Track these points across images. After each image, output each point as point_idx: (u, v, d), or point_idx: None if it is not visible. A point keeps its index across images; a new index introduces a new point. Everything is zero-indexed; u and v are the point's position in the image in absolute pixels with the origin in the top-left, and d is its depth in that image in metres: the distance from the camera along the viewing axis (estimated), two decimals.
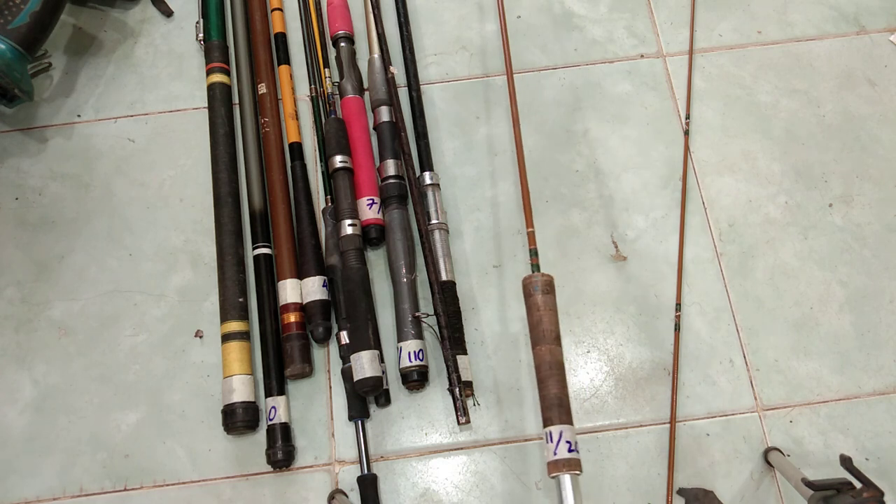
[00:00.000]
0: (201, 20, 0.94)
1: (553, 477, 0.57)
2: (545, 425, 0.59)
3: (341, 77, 0.90)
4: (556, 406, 0.60)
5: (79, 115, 0.92)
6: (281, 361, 0.77)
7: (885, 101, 0.91)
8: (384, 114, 0.87)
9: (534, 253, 0.68)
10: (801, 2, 0.98)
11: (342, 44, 0.92)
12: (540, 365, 0.62)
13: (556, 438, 0.58)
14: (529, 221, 0.71)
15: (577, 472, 0.57)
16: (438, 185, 0.85)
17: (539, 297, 0.64)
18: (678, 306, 0.80)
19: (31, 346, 0.80)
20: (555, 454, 0.57)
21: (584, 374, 0.78)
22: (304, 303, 0.78)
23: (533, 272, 0.66)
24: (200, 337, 0.80)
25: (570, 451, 0.57)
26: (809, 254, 0.83)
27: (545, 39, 0.96)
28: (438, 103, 0.92)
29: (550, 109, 0.91)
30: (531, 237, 0.70)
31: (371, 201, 0.82)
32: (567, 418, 0.59)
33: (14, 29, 0.82)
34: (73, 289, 0.83)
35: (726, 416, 0.76)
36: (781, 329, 0.80)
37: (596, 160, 0.88)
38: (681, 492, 0.71)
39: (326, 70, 0.91)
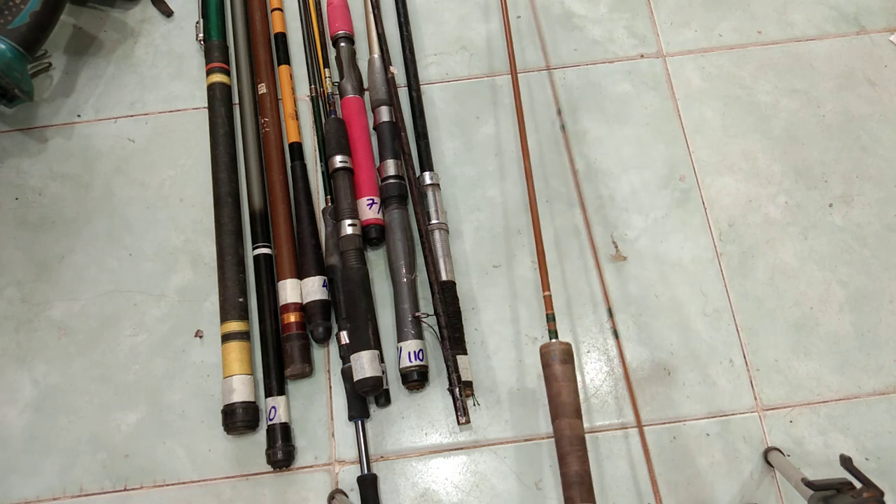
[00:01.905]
0: (201, 20, 0.94)
1: None
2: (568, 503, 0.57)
3: (341, 77, 0.90)
4: (577, 484, 0.58)
5: (79, 115, 0.92)
6: (281, 361, 0.77)
7: (885, 101, 0.91)
8: (384, 114, 0.87)
9: (551, 318, 0.66)
10: (801, 2, 0.98)
11: (342, 44, 0.92)
12: (560, 439, 0.60)
13: None
14: (546, 285, 0.68)
15: None
16: (438, 185, 0.85)
17: (558, 366, 0.62)
18: (609, 311, 0.79)
19: (31, 346, 0.80)
20: None
21: (584, 374, 0.78)
22: (304, 303, 0.78)
23: (551, 339, 0.65)
24: (200, 337, 0.80)
25: None
26: (809, 254, 0.83)
27: (545, 39, 0.96)
28: (438, 103, 0.92)
29: (550, 109, 0.91)
30: (548, 301, 0.67)
31: (371, 201, 0.82)
32: (590, 497, 0.57)
33: (14, 29, 0.82)
34: (73, 289, 0.83)
35: (726, 416, 0.76)
36: (781, 329, 0.80)
37: (596, 160, 0.88)
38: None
39: (326, 70, 0.91)
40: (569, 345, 0.63)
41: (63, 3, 0.88)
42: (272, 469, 0.74)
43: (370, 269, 0.82)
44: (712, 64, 0.94)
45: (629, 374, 0.78)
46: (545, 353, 0.63)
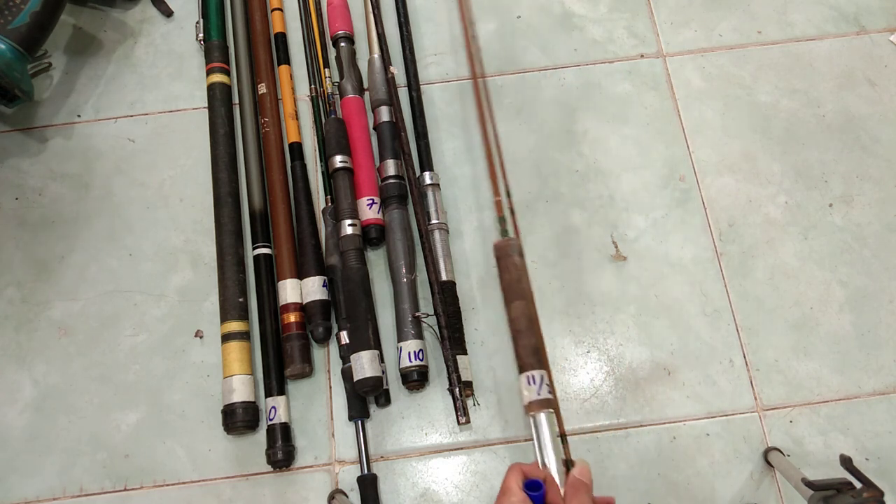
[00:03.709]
0: (201, 20, 0.94)
1: (531, 416, 0.61)
2: (522, 371, 0.63)
3: (341, 77, 0.90)
4: (534, 353, 0.64)
5: (79, 115, 0.92)
6: (281, 361, 0.77)
7: (885, 101, 0.91)
8: (384, 114, 0.87)
9: (502, 220, 0.71)
10: (801, 2, 0.98)
11: (342, 44, 0.92)
12: (517, 318, 0.65)
13: (536, 381, 0.62)
14: (497, 191, 0.74)
15: (552, 410, 0.61)
16: (438, 184, 0.85)
17: (514, 259, 0.68)
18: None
19: (31, 346, 0.80)
20: (537, 395, 0.61)
21: (584, 374, 0.78)
22: (304, 303, 0.78)
23: (503, 237, 0.70)
24: (200, 337, 0.80)
25: (548, 392, 0.62)
26: (809, 254, 0.83)
27: (545, 39, 0.96)
28: (438, 103, 0.92)
29: (550, 109, 0.91)
30: (499, 206, 0.72)
31: (371, 201, 0.82)
32: (544, 364, 0.63)
33: (14, 29, 0.82)
34: (73, 289, 0.83)
35: (726, 416, 0.76)
36: (781, 329, 0.80)
37: (596, 160, 0.88)
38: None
39: (326, 70, 0.91)
40: (518, 240, 0.69)
41: (63, 3, 0.88)
42: (272, 469, 0.74)
43: (370, 269, 0.82)
44: (712, 64, 0.94)
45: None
46: (501, 248, 0.68)
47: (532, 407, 0.62)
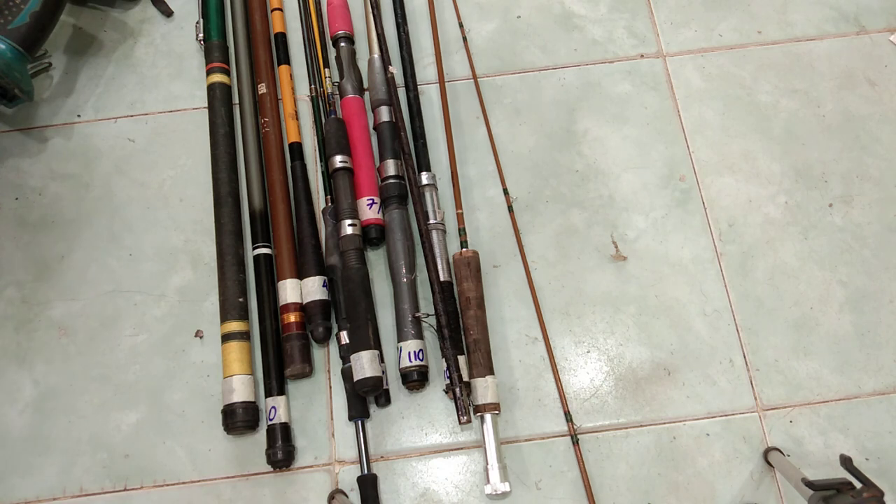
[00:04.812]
0: (201, 20, 0.94)
1: (479, 416, 0.73)
2: (475, 376, 0.74)
3: (341, 77, 0.90)
4: (487, 360, 0.74)
5: (79, 115, 0.92)
6: (281, 361, 0.77)
7: (885, 101, 0.91)
8: (384, 114, 0.87)
9: (462, 231, 0.82)
10: (801, 2, 0.98)
11: (342, 44, 0.92)
12: (474, 325, 0.75)
13: (487, 386, 0.73)
14: (459, 204, 0.84)
15: (497, 413, 0.73)
16: (436, 185, 0.85)
17: (472, 269, 0.77)
18: (506, 191, 0.86)
19: (31, 346, 0.80)
20: (485, 399, 0.73)
21: (584, 374, 0.78)
22: (304, 303, 0.78)
23: (462, 248, 0.80)
24: (200, 337, 0.80)
25: (495, 397, 0.73)
26: (809, 254, 0.83)
27: (545, 39, 0.96)
28: (438, 103, 0.92)
29: (550, 109, 0.91)
30: (460, 218, 0.82)
31: (371, 201, 0.82)
32: (491, 371, 0.75)
33: (14, 29, 0.82)
34: (73, 289, 0.83)
35: (726, 416, 0.76)
36: (781, 329, 0.80)
37: (596, 160, 0.88)
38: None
39: (326, 70, 0.91)
40: (476, 252, 0.79)
41: (63, 3, 0.88)
42: (272, 469, 0.74)
43: (370, 269, 0.82)
44: (712, 64, 0.94)
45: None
46: (460, 259, 0.78)
47: (482, 409, 0.72)
